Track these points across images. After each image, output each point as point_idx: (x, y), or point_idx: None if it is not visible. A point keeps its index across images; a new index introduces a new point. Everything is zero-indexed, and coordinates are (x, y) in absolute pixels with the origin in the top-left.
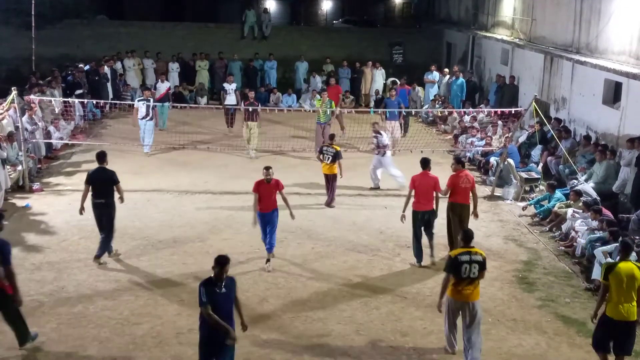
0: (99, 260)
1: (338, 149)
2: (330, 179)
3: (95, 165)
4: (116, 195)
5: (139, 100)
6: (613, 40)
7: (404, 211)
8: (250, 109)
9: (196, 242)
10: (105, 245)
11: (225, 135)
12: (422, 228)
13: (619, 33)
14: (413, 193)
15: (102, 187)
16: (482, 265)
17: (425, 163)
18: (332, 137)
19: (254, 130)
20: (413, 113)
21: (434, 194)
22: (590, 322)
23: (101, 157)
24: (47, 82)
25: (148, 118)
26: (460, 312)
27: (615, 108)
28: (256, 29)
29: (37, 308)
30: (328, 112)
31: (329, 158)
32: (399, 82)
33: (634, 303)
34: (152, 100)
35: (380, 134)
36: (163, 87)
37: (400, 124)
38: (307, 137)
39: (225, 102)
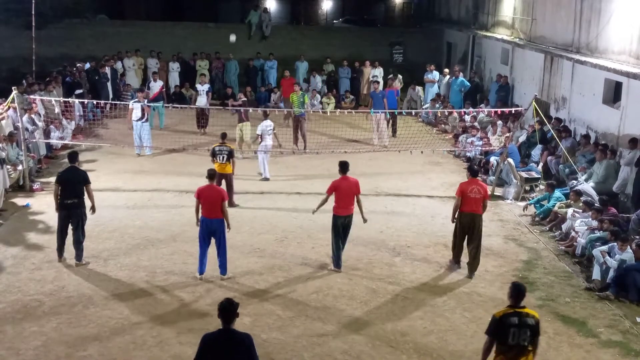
0: (82, 262)
1: (233, 147)
2: (227, 178)
3: (95, 165)
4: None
5: (134, 102)
6: (613, 39)
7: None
8: (242, 109)
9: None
10: (79, 246)
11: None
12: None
13: (619, 33)
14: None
15: (72, 187)
16: (535, 331)
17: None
18: (224, 135)
19: (246, 129)
20: (413, 113)
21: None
22: (591, 322)
23: (72, 157)
24: (47, 82)
25: (143, 120)
26: None
27: (615, 108)
28: (255, 28)
29: (37, 307)
30: (301, 106)
31: (223, 157)
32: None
33: None
34: (146, 101)
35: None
36: (156, 86)
37: (388, 122)
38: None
39: (197, 104)
